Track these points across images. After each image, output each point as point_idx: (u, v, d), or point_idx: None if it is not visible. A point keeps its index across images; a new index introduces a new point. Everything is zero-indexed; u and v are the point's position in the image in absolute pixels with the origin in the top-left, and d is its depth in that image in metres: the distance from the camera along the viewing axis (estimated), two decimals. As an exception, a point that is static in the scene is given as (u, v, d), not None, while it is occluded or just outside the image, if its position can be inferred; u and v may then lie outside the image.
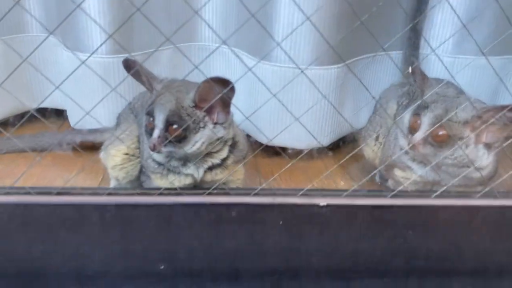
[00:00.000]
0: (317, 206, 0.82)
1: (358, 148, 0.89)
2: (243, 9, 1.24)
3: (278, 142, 1.28)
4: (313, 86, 1.20)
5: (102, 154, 1.01)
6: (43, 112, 1.42)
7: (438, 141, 0.92)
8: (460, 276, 0.93)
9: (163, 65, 1.28)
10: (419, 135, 0.92)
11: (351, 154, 0.84)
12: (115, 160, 0.96)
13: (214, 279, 0.86)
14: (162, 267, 0.84)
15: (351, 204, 0.83)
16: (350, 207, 0.84)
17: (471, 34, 1.39)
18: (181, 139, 0.81)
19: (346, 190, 0.85)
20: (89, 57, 0.77)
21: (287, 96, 1.22)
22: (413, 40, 1.30)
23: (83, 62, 0.69)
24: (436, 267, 0.92)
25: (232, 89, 0.77)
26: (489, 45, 1.40)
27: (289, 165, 0.80)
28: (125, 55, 1.18)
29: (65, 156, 1.22)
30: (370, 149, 1.17)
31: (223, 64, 1.38)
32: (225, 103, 0.82)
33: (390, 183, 1.12)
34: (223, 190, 0.83)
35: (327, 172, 1.07)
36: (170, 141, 0.80)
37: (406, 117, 0.98)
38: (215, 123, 0.84)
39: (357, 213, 0.84)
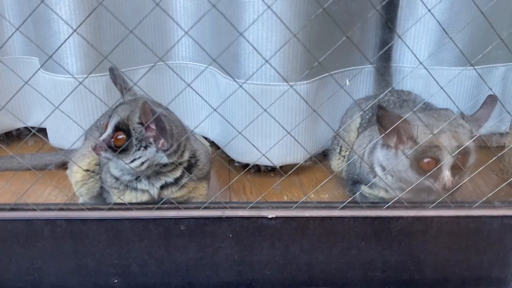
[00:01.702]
0: (266, 218, 0.84)
1: (300, 163, 0.90)
2: (216, 29, 1.29)
3: (251, 159, 1.30)
4: (281, 102, 1.23)
5: (68, 171, 1.05)
6: (27, 131, 1.46)
7: (461, 167, 0.90)
8: (420, 287, 0.93)
9: (137, 83, 1.32)
10: (447, 175, 0.89)
11: (295, 168, 0.85)
12: (76, 176, 0.99)
13: (168, 293, 0.88)
14: (116, 281, 0.86)
15: (300, 216, 0.84)
16: (300, 219, 0.84)
17: (445, 45, 1.40)
18: (122, 150, 0.83)
19: (296, 202, 0.86)
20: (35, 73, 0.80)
21: (256, 112, 1.24)
22: (384, 53, 1.31)
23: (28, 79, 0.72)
24: (395, 279, 0.92)
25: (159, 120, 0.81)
26: (464, 56, 1.42)
27: (235, 179, 0.81)
28: (97, 75, 1.23)
29: (43, 173, 1.26)
30: (334, 163, 1.18)
31: (201, 82, 1.41)
32: (162, 130, 0.84)
33: (358, 196, 1.13)
34: (173, 204, 0.85)
35: (274, 185, 1.07)
36: (111, 148, 0.83)
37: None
38: (159, 149, 0.86)
39: (308, 225, 0.85)
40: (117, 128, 0.84)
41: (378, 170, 1.00)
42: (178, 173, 0.92)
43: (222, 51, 0.78)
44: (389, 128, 0.89)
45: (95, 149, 0.83)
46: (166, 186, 0.92)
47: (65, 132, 1.32)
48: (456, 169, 0.90)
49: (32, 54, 1.37)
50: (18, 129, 1.48)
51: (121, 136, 0.83)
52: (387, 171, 0.97)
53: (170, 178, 0.91)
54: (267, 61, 0.74)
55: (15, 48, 1.39)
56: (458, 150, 0.88)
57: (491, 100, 0.93)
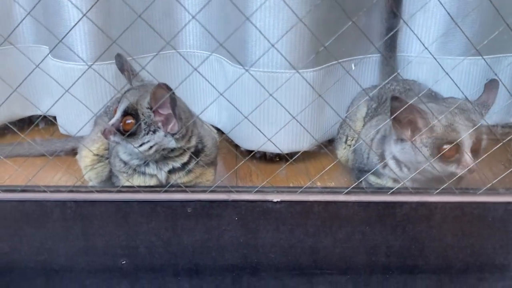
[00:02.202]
0: (271, 202, 0.85)
1: (304, 148, 0.90)
2: (222, 16, 1.30)
3: (257, 145, 1.31)
4: (288, 90, 1.24)
5: (77, 156, 1.07)
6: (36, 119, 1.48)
7: (477, 150, 0.91)
8: (424, 273, 0.94)
9: (145, 72, 1.33)
10: (468, 158, 0.90)
11: (300, 153, 0.85)
12: (85, 161, 1.01)
13: (175, 275, 0.89)
14: (124, 262, 0.87)
15: (305, 200, 0.85)
16: (304, 203, 0.85)
17: (454, 35, 1.40)
18: (130, 134, 0.85)
19: (301, 187, 0.87)
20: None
21: (263, 99, 1.25)
22: (390, 42, 1.31)
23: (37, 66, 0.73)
24: (399, 264, 0.92)
25: (173, 99, 0.82)
26: (472, 46, 1.41)
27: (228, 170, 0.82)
28: (106, 63, 1.25)
29: (55, 160, 1.29)
30: (340, 152, 1.18)
31: (208, 70, 1.43)
32: (173, 112, 0.85)
33: (363, 184, 1.13)
34: (180, 187, 0.86)
35: (280, 169, 1.08)
36: (120, 132, 0.85)
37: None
38: (168, 133, 0.87)
39: (312, 209, 0.86)
40: (126, 113, 0.85)
41: (391, 163, 1.00)
42: (185, 158, 0.93)
43: (229, 36, 0.78)
44: (404, 120, 0.90)
45: (104, 133, 0.85)
46: (174, 171, 0.94)
47: (75, 119, 1.34)
48: (474, 152, 0.90)
49: (42, 42, 1.39)
50: (30, 117, 1.51)
51: (130, 120, 0.84)
52: (403, 165, 0.98)
53: (177, 163, 0.93)
54: (273, 45, 0.75)
55: (25, 37, 1.41)
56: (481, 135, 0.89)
57: (492, 84, 0.94)
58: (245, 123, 1.32)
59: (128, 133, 0.84)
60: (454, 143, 0.89)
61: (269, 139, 0.83)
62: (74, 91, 1.29)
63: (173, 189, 0.86)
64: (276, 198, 0.84)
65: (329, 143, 1.37)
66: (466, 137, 0.89)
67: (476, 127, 0.89)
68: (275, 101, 1.25)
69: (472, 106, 0.94)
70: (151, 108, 0.85)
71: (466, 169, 0.89)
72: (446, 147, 0.90)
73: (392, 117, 0.89)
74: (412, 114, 0.90)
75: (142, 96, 0.86)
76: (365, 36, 0.70)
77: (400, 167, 0.98)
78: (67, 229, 0.84)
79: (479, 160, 0.90)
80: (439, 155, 0.91)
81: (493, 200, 0.88)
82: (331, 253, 0.90)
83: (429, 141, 0.92)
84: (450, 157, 0.90)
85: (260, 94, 1.24)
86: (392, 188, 0.89)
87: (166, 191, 0.85)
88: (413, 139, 0.92)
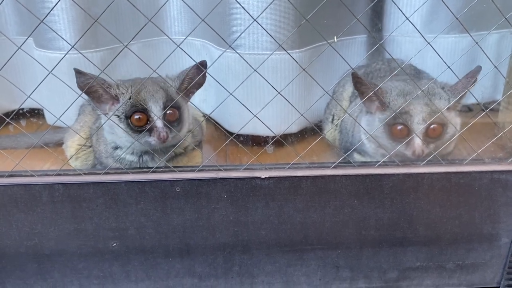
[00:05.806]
0: (259, 178, 0.85)
1: (291, 124, 0.91)
2: (208, 1, 1.29)
3: (248, 130, 1.31)
4: (275, 72, 1.24)
5: (63, 146, 1.07)
6: (22, 113, 1.47)
7: (435, 136, 0.93)
8: (414, 245, 0.95)
9: (131, 59, 1.33)
10: (417, 142, 0.91)
11: (289, 126, 0.85)
12: (70, 151, 1.02)
13: (166, 255, 0.90)
14: (115, 244, 0.88)
15: (293, 175, 0.86)
16: (292, 179, 0.86)
17: (438, 13, 1.41)
18: (177, 121, 0.88)
19: (289, 164, 0.88)
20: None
21: (250, 82, 1.25)
22: (376, 23, 1.32)
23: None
24: (389, 237, 0.93)
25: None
26: (457, 23, 1.42)
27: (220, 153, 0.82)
28: (92, 51, 1.24)
29: (43, 151, 1.28)
30: (328, 132, 1.19)
31: (194, 55, 1.42)
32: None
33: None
34: (168, 168, 0.86)
35: (267, 146, 1.08)
36: (172, 126, 0.87)
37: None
38: None
39: (300, 184, 0.87)
40: (165, 107, 0.86)
41: (363, 136, 1.02)
42: (187, 141, 0.95)
43: (211, 10, 0.79)
44: (366, 93, 0.93)
45: (165, 139, 0.85)
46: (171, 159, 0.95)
47: (62, 110, 1.33)
48: (430, 137, 0.92)
49: (27, 34, 1.38)
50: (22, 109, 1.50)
51: (170, 111, 0.87)
52: (368, 138, 0.99)
53: (180, 148, 0.94)
54: (255, 19, 0.75)
55: (9, 29, 1.40)
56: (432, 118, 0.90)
57: (475, 70, 0.94)
58: (233, 107, 1.33)
59: (176, 121, 0.88)
60: (403, 124, 0.92)
61: (255, 115, 0.83)
62: (59, 81, 1.29)
63: (161, 169, 0.86)
64: (264, 174, 0.85)
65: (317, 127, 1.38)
66: (417, 122, 0.90)
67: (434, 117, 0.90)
68: (262, 85, 1.26)
69: (443, 91, 0.94)
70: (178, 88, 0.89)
71: (411, 153, 0.91)
72: (398, 128, 0.92)
73: (356, 90, 0.95)
74: (368, 89, 0.92)
75: (164, 85, 0.89)
76: (349, 10, 0.71)
77: (369, 141, 1.00)
78: (56, 213, 0.84)
79: (439, 150, 0.91)
80: (390, 133, 0.93)
81: (478, 169, 0.89)
82: (321, 228, 0.91)
83: (382, 117, 0.94)
84: (401, 137, 0.93)
85: (247, 78, 1.24)
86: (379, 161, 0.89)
87: (154, 171, 0.85)
88: (374, 111, 0.96)
